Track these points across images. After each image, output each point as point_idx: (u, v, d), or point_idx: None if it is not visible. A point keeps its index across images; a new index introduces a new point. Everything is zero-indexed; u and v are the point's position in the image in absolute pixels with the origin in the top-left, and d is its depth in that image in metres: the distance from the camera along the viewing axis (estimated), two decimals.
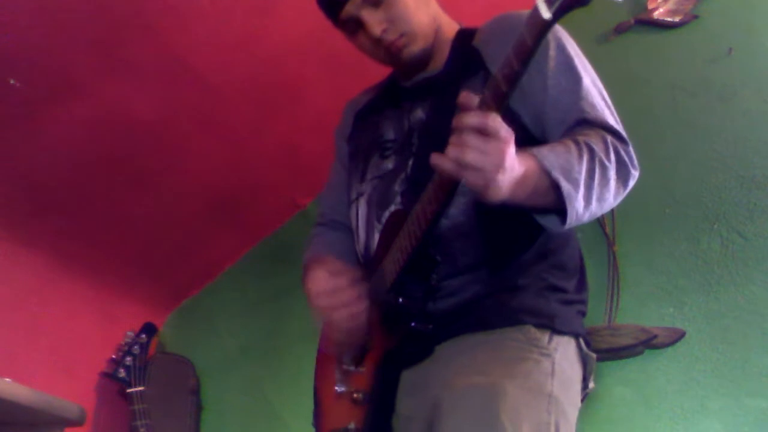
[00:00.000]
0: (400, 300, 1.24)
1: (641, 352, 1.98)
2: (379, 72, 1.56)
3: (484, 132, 0.97)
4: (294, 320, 2.69)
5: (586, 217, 1.16)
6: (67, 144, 2.32)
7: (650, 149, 2.16)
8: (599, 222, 2.15)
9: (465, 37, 1.40)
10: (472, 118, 0.97)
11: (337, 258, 1.47)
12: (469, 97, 0.99)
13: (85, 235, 2.63)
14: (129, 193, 2.59)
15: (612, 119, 1.26)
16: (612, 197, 1.20)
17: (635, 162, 1.24)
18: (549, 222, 1.16)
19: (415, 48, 1.36)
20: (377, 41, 1.34)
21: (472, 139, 0.96)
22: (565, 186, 1.09)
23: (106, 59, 2.15)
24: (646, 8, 2.33)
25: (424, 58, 1.40)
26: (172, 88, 2.31)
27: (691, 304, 1.96)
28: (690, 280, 1.99)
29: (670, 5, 2.29)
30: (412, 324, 1.23)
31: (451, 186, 1.08)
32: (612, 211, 2.13)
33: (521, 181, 1.05)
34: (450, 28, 1.43)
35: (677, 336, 1.95)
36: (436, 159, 1.00)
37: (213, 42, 2.23)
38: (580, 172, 1.12)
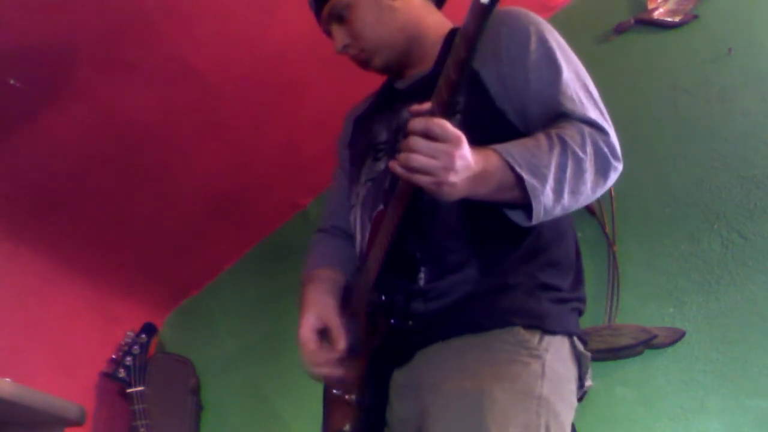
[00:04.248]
0: (383, 298, 1.25)
1: (641, 352, 1.98)
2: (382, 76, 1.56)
3: (430, 136, 1.01)
4: (294, 320, 2.66)
5: (558, 211, 1.16)
6: (67, 144, 2.33)
7: (650, 149, 2.17)
8: (599, 222, 2.16)
9: (455, 36, 1.40)
10: (417, 123, 1.02)
11: (334, 266, 1.48)
12: (418, 106, 1.04)
13: (85, 235, 2.63)
14: (129, 193, 2.59)
15: (593, 111, 1.24)
16: (589, 190, 1.19)
17: (617, 152, 1.23)
18: (516, 217, 1.17)
19: (378, 61, 1.43)
20: (342, 54, 1.44)
21: (419, 144, 1.01)
22: (530, 181, 1.10)
23: (106, 59, 2.15)
24: (646, 8, 2.33)
25: (391, 68, 1.46)
26: (172, 88, 2.31)
27: (691, 304, 1.96)
28: (690, 280, 1.99)
29: (670, 5, 2.29)
30: (392, 321, 1.23)
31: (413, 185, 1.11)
32: (612, 211, 2.14)
33: (481, 178, 1.08)
34: (440, 28, 1.44)
35: (677, 336, 1.95)
36: (390, 164, 1.06)
37: (213, 42, 2.23)
38: (548, 166, 1.13)
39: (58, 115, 2.23)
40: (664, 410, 1.90)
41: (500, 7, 1.29)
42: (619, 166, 1.23)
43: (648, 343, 1.97)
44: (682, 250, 2.03)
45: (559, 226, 1.29)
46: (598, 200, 2.17)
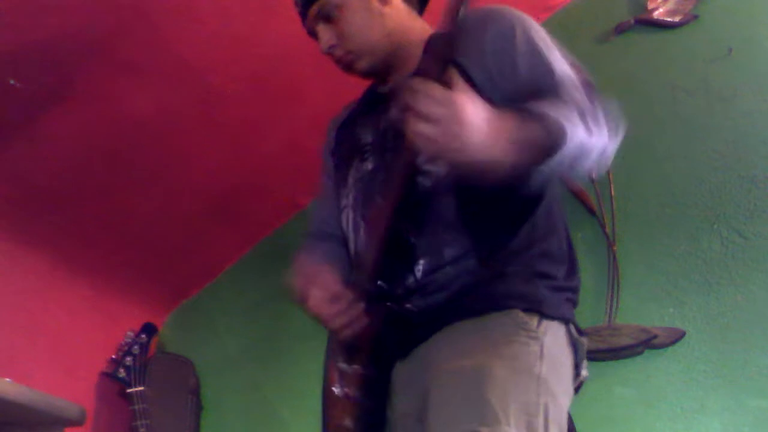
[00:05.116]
0: (379, 283, 1.26)
1: (641, 352, 1.98)
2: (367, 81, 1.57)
3: (432, 97, 1.02)
4: (294, 320, 2.69)
5: (581, 153, 1.16)
6: (68, 144, 2.32)
7: (650, 149, 2.17)
8: (599, 222, 2.16)
9: (436, 40, 1.42)
10: (415, 86, 1.03)
11: (330, 263, 1.48)
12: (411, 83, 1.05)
13: (85, 235, 2.63)
14: (129, 193, 2.59)
15: (578, 93, 1.24)
16: (584, 141, 1.18)
17: (610, 122, 1.23)
18: (537, 173, 1.14)
19: (363, 64, 1.43)
20: (327, 54, 1.44)
21: (426, 106, 1.01)
22: (553, 116, 1.10)
23: (106, 59, 2.15)
24: (646, 8, 2.33)
25: (374, 72, 1.46)
26: (172, 88, 2.31)
27: (691, 304, 1.96)
28: (690, 280, 1.99)
29: (670, 5, 2.29)
30: (388, 303, 1.25)
31: (408, 166, 1.13)
32: (612, 211, 2.14)
33: (499, 131, 1.06)
34: (422, 33, 1.45)
35: (677, 336, 1.95)
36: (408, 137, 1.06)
37: (213, 41, 2.23)
38: (566, 115, 1.13)
39: (58, 116, 2.22)
40: (664, 410, 1.90)
41: (483, 6, 1.31)
42: (609, 126, 1.23)
43: (648, 343, 1.97)
44: (682, 250, 2.03)
45: (552, 219, 1.32)
46: (598, 200, 2.17)
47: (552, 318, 1.23)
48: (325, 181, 1.63)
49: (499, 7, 1.35)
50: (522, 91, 1.26)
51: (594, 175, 1.28)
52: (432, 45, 1.37)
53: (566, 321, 1.26)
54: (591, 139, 1.18)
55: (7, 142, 2.24)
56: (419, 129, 1.02)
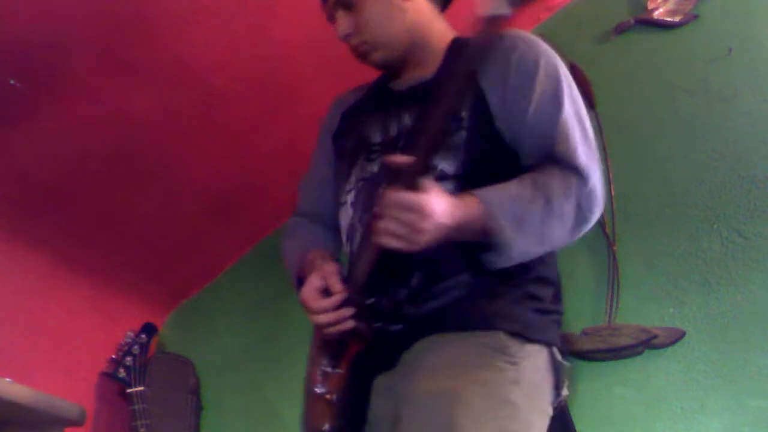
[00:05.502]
0: (369, 300, 1.26)
1: (641, 352, 1.98)
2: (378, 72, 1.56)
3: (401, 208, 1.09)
4: (294, 320, 2.68)
5: (530, 257, 1.23)
6: (67, 144, 2.32)
7: (650, 149, 2.17)
8: (599, 222, 2.15)
9: (460, 46, 1.40)
10: (388, 200, 1.10)
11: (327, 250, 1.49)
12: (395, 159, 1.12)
13: (85, 235, 2.63)
14: (129, 193, 2.59)
15: (583, 153, 1.27)
16: (561, 241, 1.25)
17: (598, 199, 1.27)
18: (485, 258, 1.21)
19: (377, 56, 1.42)
20: (343, 41, 1.43)
21: (392, 220, 1.10)
22: (509, 234, 1.16)
23: (106, 59, 2.15)
24: (646, 8, 2.33)
25: (388, 66, 1.46)
26: (172, 88, 2.31)
27: (691, 304, 1.97)
28: (690, 280, 1.99)
29: (670, 5, 2.29)
30: (378, 324, 1.25)
31: None
32: (612, 211, 2.14)
33: (457, 230, 1.14)
34: (444, 35, 1.45)
35: (677, 336, 1.95)
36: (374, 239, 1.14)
37: (213, 42, 2.23)
38: (532, 222, 1.18)
39: (57, 116, 2.22)
40: (664, 410, 1.90)
41: (512, 30, 1.31)
42: (597, 213, 1.28)
43: (648, 343, 1.97)
44: (682, 250, 2.03)
45: None
46: None
47: (534, 342, 1.23)
48: (320, 158, 1.62)
49: (527, 38, 1.35)
50: (525, 135, 1.29)
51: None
52: (455, 58, 1.38)
53: (549, 344, 1.26)
54: (564, 231, 1.23)
55: (6, 142, 2.24)
56: (388, 230, 1.10)
